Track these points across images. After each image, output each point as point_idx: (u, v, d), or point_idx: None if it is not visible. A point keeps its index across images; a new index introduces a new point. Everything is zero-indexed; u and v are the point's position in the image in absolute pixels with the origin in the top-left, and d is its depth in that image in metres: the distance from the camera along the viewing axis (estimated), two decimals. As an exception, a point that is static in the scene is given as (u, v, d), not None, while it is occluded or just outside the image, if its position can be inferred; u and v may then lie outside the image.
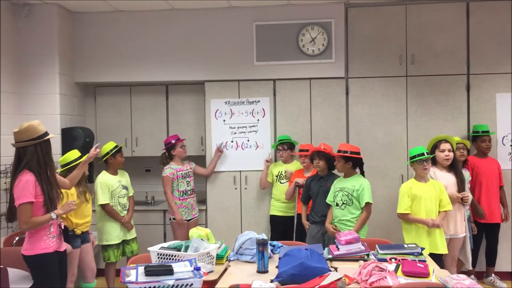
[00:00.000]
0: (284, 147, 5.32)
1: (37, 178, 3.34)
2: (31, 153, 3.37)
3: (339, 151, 4.39)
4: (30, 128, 3.39)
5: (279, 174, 5.32)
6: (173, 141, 5.29)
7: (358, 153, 4.41)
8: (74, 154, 4.47)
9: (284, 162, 5.36)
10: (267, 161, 5.42)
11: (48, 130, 3.55)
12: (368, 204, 4.27)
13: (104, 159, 4.94)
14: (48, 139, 3.46)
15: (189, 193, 5.31)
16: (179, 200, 5.24)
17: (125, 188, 5.01)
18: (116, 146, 4.95)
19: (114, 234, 4.88)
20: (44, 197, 3.36)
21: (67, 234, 3.58)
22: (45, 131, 3.45)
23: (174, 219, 5.22)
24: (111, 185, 4.87)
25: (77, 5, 5.54)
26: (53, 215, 3.40)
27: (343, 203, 4.29)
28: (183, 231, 5.18)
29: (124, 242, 4.99)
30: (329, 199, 4.43)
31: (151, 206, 5.87)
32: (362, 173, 4.48)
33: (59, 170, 4.49)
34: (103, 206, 4.82)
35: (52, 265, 3.46)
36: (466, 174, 4.94)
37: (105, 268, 5.00)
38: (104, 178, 4.87)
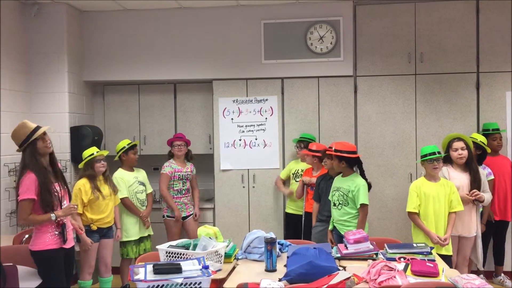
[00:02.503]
0: (301, 145, 5.31)
1: (38, 177, 3.43)
2: (22, 158, 3.53)
3: (335, 150, 4.27)
4: (13, 136, 3.54)
5: (295, 172, 5.31)
6: (170, 140, 5.36)
7: (353, 152, 4.25)
8: (90, 150, 4.62)
9: (302, 161, 5.34)
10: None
11: (56, 128, 3.64)
12: (363, 205, 4.14)
13: (117, 156, 4.99)
14: (32, 142, 3.48)
15: (183, 192, 5.31)
16: (173, 198, 5.26)
17: (142, 184, 5.07)
18: (129, 143, 4.98)
19: (133, 230, 4.94)
20: (43, 196, 3.44)
21: (64, 232, 3.58)
22: (28, 134, 3.49)
23: (168, 216, 5.25)
24: (127, 181, 4.94)
25: (86, 4, 5.56)
26: (52, 216, 3.46)
27: (340, 203, 4.24)
28: (177, 229, 5.22)
29: (139, 240, 5.02)
30: (330, 196, 4.41)
31: (159, 204, 5.86)
32: (362, 172, 4.36)
33: (80, 166, 4.68)
34: (121, 201, 4.87)
35: (57, 260, 3.52)
36: (484, 172, 4.87)
37: (121, 264, 5.04)
38: (120, 174, 4.96)
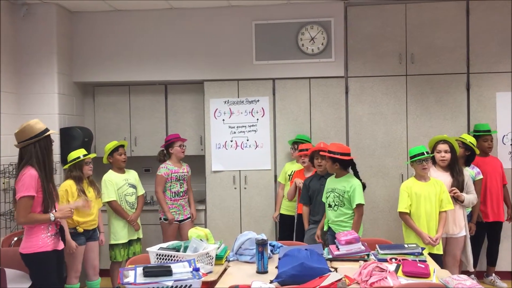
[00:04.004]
0: (295, 146, 5.31)
1: (39, 174, 3.40)
2: (30, 151, 3.45)
3: (328, 151, 4.27)
4: (27, 128, 3.48)
5: (291, 173, 5.30)
6: (171, 139, 5.26)
7: (347, 154, 4.22)
8: (78, 152, 4.57)
9: (297, 161, 5.34)
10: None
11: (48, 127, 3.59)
12: (359, 205, 4.14)
13: (104, 159, 4.95)
14: (47, 137, 3.52)
15: (181, 194, 5.25)
16: (170, 200, 5.19)
17: (133, 186, 5.01)
18: (114, 145, 4.94)
19: (121, 233, 4.88)
20: (44, 194, 3.41)
21: (63, 233, 3.57)
22: (43, 129, 3.50)
23: (164, 219, 5.18)
24: (117, 183, 4.87)
25: (76, 5, 5.52)
26: (52, 216, 3.43)
27: (335, 204, 4.23)
28: (173, 232, 5.15)
29: (129, 243, 4.97)
30: (323, 198, 4.40)
31: (150, 206, 5.84)
32: (356, 173, 4.35)
33: (65, 167, 4.62)
34: (109, 203, 4.82)
35: (50, 263, 3.48)
36: (473, 172, 4.90)
37: (111, 267, 4.99)
38: (109, 176, 4.89)
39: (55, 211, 3.52)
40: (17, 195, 3.37)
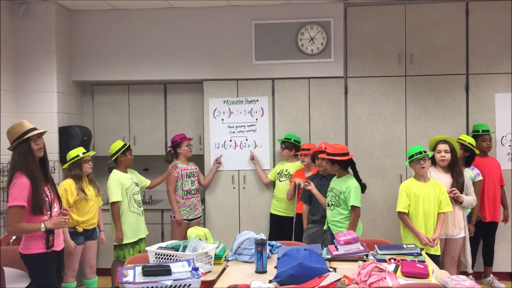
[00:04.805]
0: (282, 146, 5.32)
1: (31, 181, 3.32)
2: (13, 156, 3.43)
3: (327, 154, 4.26)
4: (9, 131, 3.46)
5: (280, 172, 5.30)
6: (178, 139, 5.27)
7: (345, 154, 4.21)
8: (77, 150, 4.54)
9: (287, 161, 5.35)
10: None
11: (44, 129, 3.54)
12: (354, 207, 4.12)
13: (114, 158, 4.86)
14: (24, 141, 3.39)
15: (193, 192, 5.27)
16: (183, 199, 5.21)
17: (137, 185, 4.98)
18: (125, 145, 4.91)
19: (130, 233, 4.80)
20: (33, 200, 3.34)
21: (49, 238, 3.47)
22: (21, 133, 3.41)
23: (175, 217, 5.19)
24: (124, 183, 4.81)
25: (75, 3, 5.51)
26: (42, 227, 3.36)
27: (332, 204, 4.24)
28: (182, 231, 5.14)
29: (135, 241, 4.91)
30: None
31: (149, 205, 5.84)
32: (355, 173, 4.32)
33: (64, 166, 4.58)
34: (112, 204, 4.74)
35: (49, 264, 3.47)
36: (473, 173, 4.90)
37: (112, 266, 4.94)
38: (117, 176, 4.81)
39: (50, 215, 3.46)
40: (8, 203, 3.31)
